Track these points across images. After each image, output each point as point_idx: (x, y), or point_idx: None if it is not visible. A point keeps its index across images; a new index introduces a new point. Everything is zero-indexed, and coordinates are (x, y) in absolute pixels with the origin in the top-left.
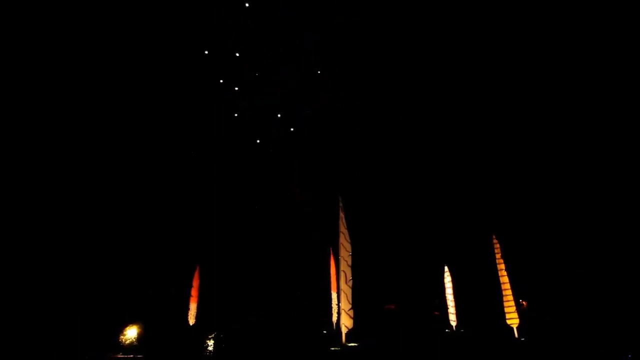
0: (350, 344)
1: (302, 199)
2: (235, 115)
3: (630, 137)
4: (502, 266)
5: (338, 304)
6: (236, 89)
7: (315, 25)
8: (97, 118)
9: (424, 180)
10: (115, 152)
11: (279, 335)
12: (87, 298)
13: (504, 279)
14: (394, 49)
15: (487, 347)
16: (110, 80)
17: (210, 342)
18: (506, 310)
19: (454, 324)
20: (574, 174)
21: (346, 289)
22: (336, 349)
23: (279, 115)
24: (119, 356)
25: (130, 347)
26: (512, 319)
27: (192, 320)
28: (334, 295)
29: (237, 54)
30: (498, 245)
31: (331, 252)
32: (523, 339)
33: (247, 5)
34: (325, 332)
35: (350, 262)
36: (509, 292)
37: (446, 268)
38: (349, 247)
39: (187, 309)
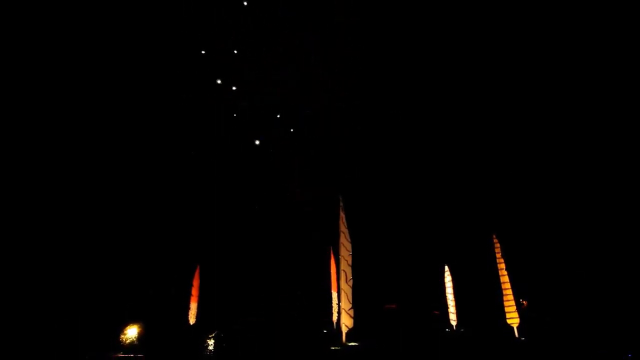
0: (350, 344)
1: (302, 199)
2: (236, 115)
3: (630, 136)
4: (503, 266)
5: (338, 304)
6: (234, 88)
7: (315, 25)
8: (97, 118)
9: (424, 179)
10: (115, 152)
11: (279, 335)
12: (87, 298)
13: (505, 279)
14: (394, 49)
15: (488, 346)
16: (109, 81)
17: (211, 342)
18: (506, 310)
19: (454, 323)
20: (574, 173)
21: (346, 289)
22: (336, 348)
23: (278, 116)
24: (120, 355)
25: (131, 347)
26: (513, 319)
27: (192, 320)
28: (334, 295)
29: (237, 54)
30: (498, 245)
31: (331, 252)
32: (523, 339)
33: (245, 3)
34: (325, 331)
35: (350, 262)
36: (510, 291)
37: (446, 267)
38: (349, 246)
39: (188, 308)
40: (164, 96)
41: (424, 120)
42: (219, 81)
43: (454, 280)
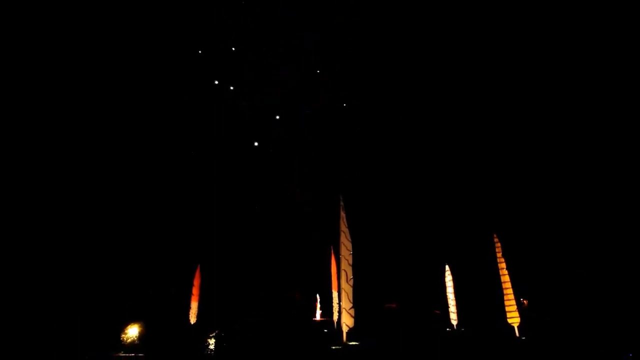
0: (351, 343)
1: (302, 199)
2: (236, 115)
3: (630, 136)
4: (503, 265)
5: (339, 303)
6: (231, 88)
7: (315, 25)
8: (97, 118)
9: (424, 179)
10: (115, 152)
11: (279, 335)
12: (87, 297)
13: (505, 278)
14: (394, 49)
15: (488, 346)
16: (109, 81)
17: (212, 341)
18: (507, 309)
19: (454, 323)
20: (574, 173)
21: (347, 288)
22: (337, 347)
23: (278, 117)
24: (120, 355)
25: (132, 346)
26: (513, 318)
27: (193, 319)
28: (334, 294)
29: (237, 54)
30: (499, 244)
31: (332, 251)
32: (524, 338)
33: (243, 2)
34: (326, 331)
35: (351, 261)
36: (510, 291)
37: (447, 267)
38: (349, 245)
39: (189, 307)
40: (164, 96)
41: (424, 120)
42: (219, 81)
43: (454, 280)
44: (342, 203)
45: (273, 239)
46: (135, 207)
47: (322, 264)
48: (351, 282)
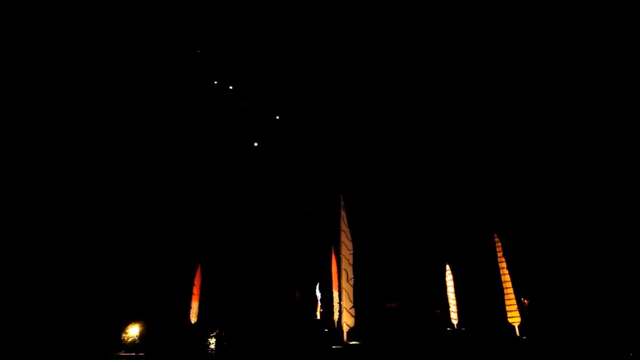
0: (351, 342)
1: (302, 199)
2: (236, 115)
3: (630, 136)
4: (504, 264)
5: (340, 303)
6: (230, 87)
7: (315, 25)
8: (98, 118)
9: (425, 178)
10: (116, 152)
11: (279, 334)
12: (87, 297)
13: (506, 278)
14: (394, 49)
15: (489, 346)
16: (110, 81)
17: (212, 341)
18: (508, 309)
19: (455, 322)
20: (575, 172)
21: (348, 288)
22: (338, 347)
23: (278, 117)
24: (121, 354)
25: (132, 345)
26: (514, 318)
27: (194, 319)
28: (335, 294)
29: (237, 54)
30: (499, 244)
31: (332, 251)
32: (525, 338)
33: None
34: (326, 330)
35: (351, 261)
36: (511, 290)
37: (447, 266)
38: (350, 245)
39: (189, 307)
40: (164, 97)
41: (425, 120)
42: (219, 82)
43: (455, 279)
44: (342, 202)
45: (273, 239)
46: (135, 207)
47: (323, 263)
48: (352, 282)
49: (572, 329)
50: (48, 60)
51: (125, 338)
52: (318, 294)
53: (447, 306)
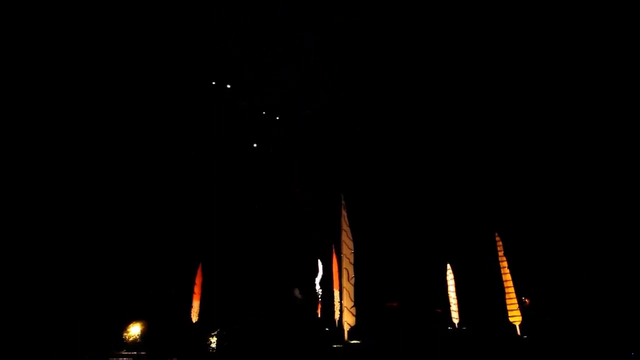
0: (352, 342)
1: (303, 198)
2: (236, 115)
3: (630, 136)
4: (505, 264)
5: (340, 302)
6: (228, 86)
7: (315, 25)
8: (98, 118)
9: (426, 178)
10: (116, 152)
11: (279, 333)
12: (87, 297)
13: (507, 277)
14: (394, 49)
15: (490, 345)
16: (110, 81)
17: (213, 340)
18: (508, 308)
19: (456, 321)
20: (575, 172)
21: (348, 287)
22: (338, 346)
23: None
24: (123, 353)
25: (134, 344)
26: (515, 317)
27: (195, 318)
28: (336, 293)
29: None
30: (500, 243)
31: (333, 250)
32: (525, 337)
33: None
34: (327, 329)
35: (352, 260)
36: (512, 290)
37: (448, 266)
38: (351, 244)
39: (190, 306)
40: (165, 97)
41: (425, 120)
42: (219, 82)
43: (456, 279)
44: (343, 202)
45: (274, 238)
46: (136, 207)
47: (323, 263)
48: (352, 281)
49: (572, 328)
50: (48, 60)
51: (127, 337)
52: (318, 290)
53: (448, 305)
